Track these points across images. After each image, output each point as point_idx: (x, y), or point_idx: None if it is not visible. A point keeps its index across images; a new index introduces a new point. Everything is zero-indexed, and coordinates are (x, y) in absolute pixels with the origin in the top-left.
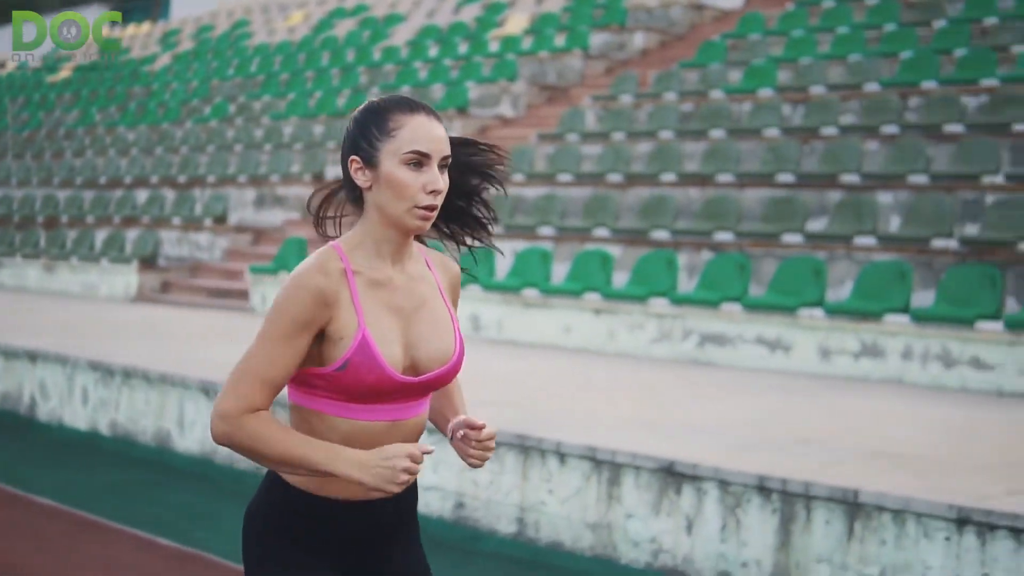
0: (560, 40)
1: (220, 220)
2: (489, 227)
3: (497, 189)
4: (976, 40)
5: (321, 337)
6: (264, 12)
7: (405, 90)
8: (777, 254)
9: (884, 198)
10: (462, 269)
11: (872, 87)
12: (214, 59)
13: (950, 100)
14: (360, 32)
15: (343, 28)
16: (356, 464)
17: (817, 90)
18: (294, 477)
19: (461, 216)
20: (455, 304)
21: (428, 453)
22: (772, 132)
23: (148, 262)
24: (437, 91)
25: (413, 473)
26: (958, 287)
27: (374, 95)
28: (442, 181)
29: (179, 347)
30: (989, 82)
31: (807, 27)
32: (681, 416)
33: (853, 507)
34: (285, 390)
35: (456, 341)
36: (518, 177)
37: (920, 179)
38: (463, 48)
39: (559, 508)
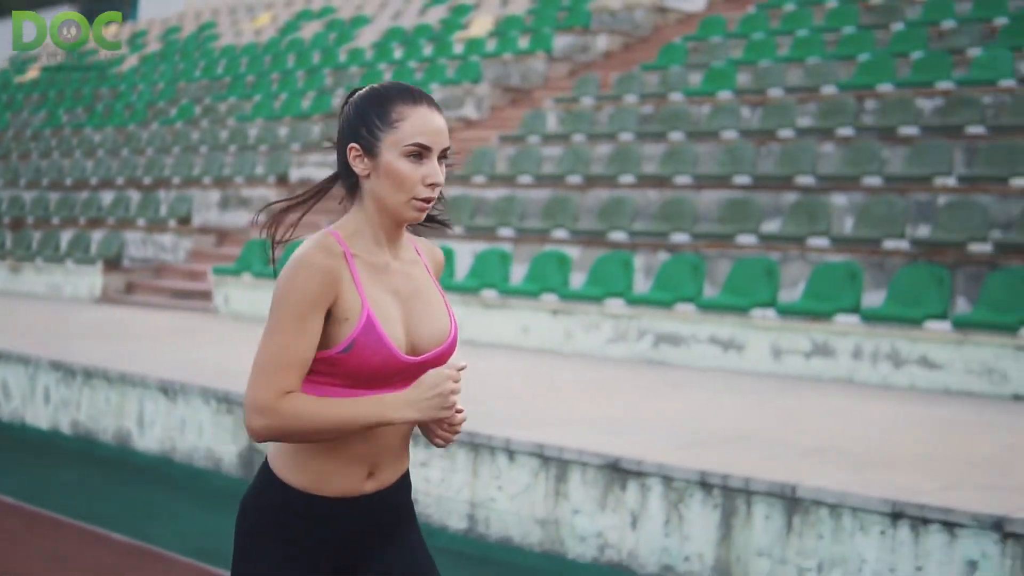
0: (524, 42)
1: (184, 221)
2: (448, 224)
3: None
4: (933, 43)
5: (326, 318)
6: (231, 14)
7: None
8: (732, 255)
9: (838, 200)
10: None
11: (829, 90)
12: (181, 61)
13: (905, 103)
14: (326, 34)
15: (309, 30)
16: (404, 405)
17: (775, 92)
18: (294, 477)
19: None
20: None
21: (462, 369)
22: (730, 134)
23: (112, 263)
24: None
25: (457, 392)
26: (908, 288)
27: (339, 98)
28: (441, 173)
29: (140, 347)
30: (944, 85)
31: (767, 30)
32: (630, 414)
33: (792, 502)
34: None
35: (451, 321)
36: (479, 179)
37: (874, 181)
38: (428, 50)
39: (508, 504)
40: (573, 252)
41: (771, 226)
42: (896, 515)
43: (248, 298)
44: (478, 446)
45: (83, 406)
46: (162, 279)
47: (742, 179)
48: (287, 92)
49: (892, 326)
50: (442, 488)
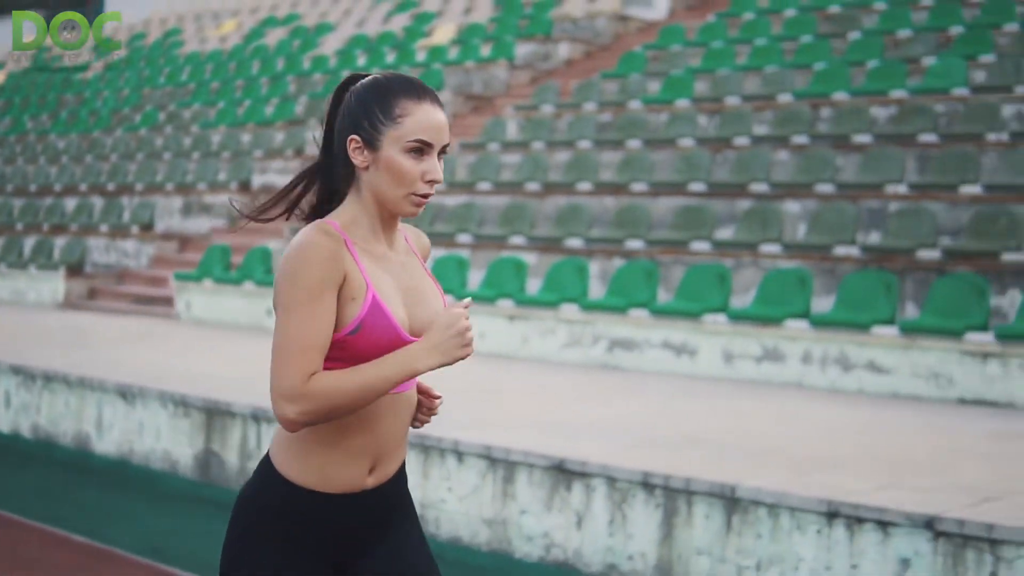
0: (486, 50)
1: (147, 228)
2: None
3: None
4: (889, 52)
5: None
6: (197, 20)
7: None
8: (685, 261)
9: (791, 207)
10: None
11: (785, 98)
12: (146, 67)
13: (860, 111)
14: (290, 41)
15: (274, 37)
16: (428, 352)
17: (732, 101)
18: (299, 474)
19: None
20: None
21: (468, 306)
22: (686, 142)
23: (75, 269)
24: None
25: (470, 329)
26: (857, 294)
27: (302, 105)
28: (440, 170)
29: (101, 352)
30: (898, 93)
31: (727, 39)
32: (581, 418)
33: (731, 502)
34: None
35: (445, 306)
36: (439, 186)
37: (826, 188)
38: (391, 57)
39: (458, 505)
40: (530, 258)
41: (725, 233)
42: (832, 515)
43: (209, 304)
44: (428, 448)
45: (43, 410)
46: (125, 285)
47: (697, 186)
48: (251, 99)
49: (840, 331)
50: None
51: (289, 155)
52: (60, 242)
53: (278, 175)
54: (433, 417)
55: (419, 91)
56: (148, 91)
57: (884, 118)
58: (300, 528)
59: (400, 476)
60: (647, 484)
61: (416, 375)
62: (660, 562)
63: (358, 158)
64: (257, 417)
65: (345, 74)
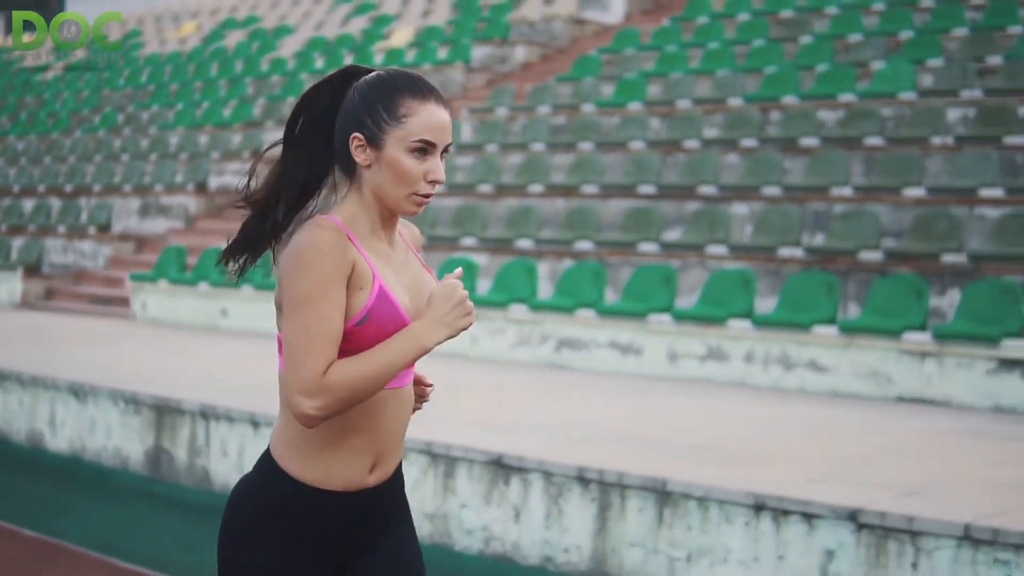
0: (443, 53)
1: (104, 229)
2: None
3: None
4: (839, 56)
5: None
6: (157, 22)
7: (292, 102)
8: (633, 262)
9: (739, 209)
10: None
11: (736, 102)
12: (105, 69)
13: (808, 115)
14: (249, 43)
15: (233, 39)
16: (433, 328)
17: (683, 104)
18: (303, 472)
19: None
20: None
21: (460, 276)
22: (638, 145)
23: (33, 269)
24: None
25: (467, 297)
26: (799, 294)
27: (260, 107)
28: (443, 170)
29: (55, 352)
30: (847, 97)
31: (680, 43)
32: (526, 415)
33: (663, 495)
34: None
35: None
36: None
37: (774, 191)
38: (349, 60)
39: None
40: (481, 259)
41: (672, 234)
42: (759, 507)
43: (165, 304)
44: None
45: None
46: (82, 285)
47: (647, 188)
48: (209, 101)
49: (782, 331)
50: None
51: (246, 157)
52: (17, 242)
53: (235, 177)
54: (424, 404)
55: (424, 90)
56: (107, 92)
57: (832, 121)
58: (300, 526)
59: (398, 475)
60: (582, 479)
61: (425, 352)
62: (595, 554)
63: (360, 156)
64: (206, 414)
65: (303, 77)
